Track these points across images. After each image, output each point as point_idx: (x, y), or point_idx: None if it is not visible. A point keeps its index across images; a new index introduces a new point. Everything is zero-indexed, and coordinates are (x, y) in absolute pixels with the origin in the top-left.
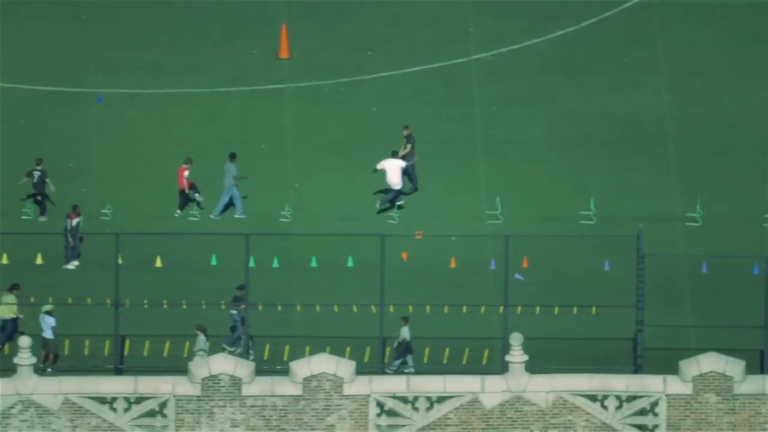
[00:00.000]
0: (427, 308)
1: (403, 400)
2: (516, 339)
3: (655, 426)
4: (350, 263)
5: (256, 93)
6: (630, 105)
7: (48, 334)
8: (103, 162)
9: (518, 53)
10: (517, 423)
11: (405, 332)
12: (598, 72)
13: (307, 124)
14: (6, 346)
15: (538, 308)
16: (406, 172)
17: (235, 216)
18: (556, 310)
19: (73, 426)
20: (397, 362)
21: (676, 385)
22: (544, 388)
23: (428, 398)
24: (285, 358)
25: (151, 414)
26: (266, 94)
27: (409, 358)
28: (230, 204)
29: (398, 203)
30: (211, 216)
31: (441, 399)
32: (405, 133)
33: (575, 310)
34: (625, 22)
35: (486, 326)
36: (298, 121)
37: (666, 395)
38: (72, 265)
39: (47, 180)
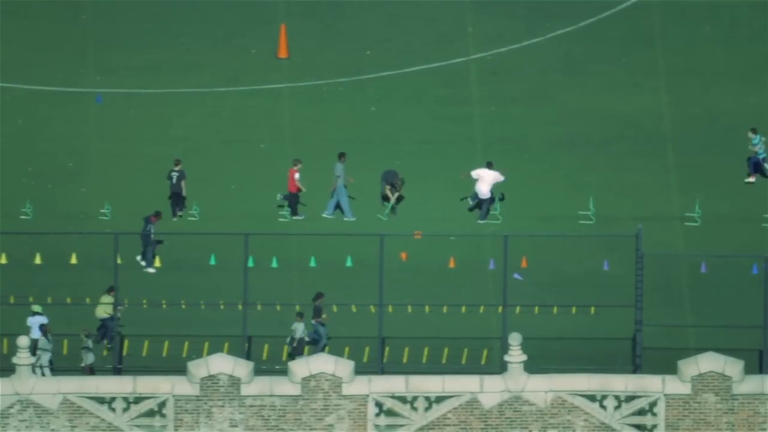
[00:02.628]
0: (426, 308)
1: (402, 399)
2: (515, 339)
3: (654, 426)
4: (349, 263)
5: (255, 92)
6: (629, 105)
7: (34, 334)
8: (102, 162)
9: (517, 53)
10: (516, 423)
11: (300, 330)
12: (597, 72)
13: (306, 124)
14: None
15: (537, 308)
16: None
17: (323, 215)
18: (555, 310)
19: (71, 426)
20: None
21: (675, 385)
22: (543, 387)
23: (427, 398)
24: (284, 358)
25: (150, 414)
26: (265, 94)
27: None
28: (339, 204)
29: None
30: (345, 219)
31: (440, 399)
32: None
33: (574, 309)
34: (623, 22)
35: (485, 326)
36: (296, 120)
37: (665, 395)
38: (152, 268)
39: (183, 181)
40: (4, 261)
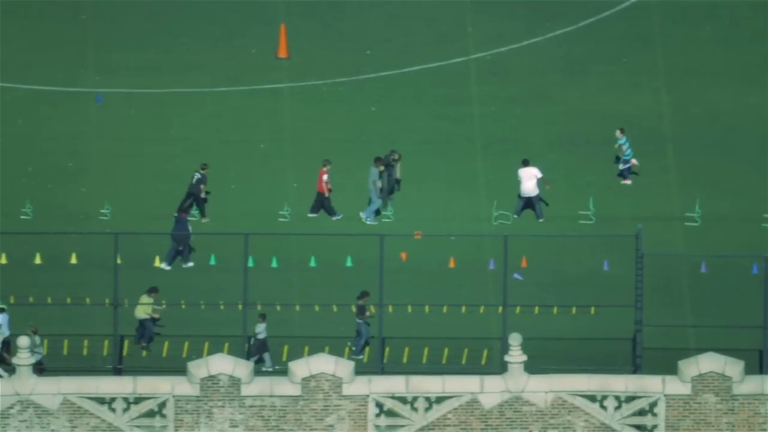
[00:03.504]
0: (426, 308)
1: (402, 400)
2: (515, 339)
3: (654, 426)
4: (349, 263)
5: (255, 92)
6: (629, 105)
7: (6, 331)
8: (102, 162)
9: (517, 53)
10: (516, 423)
11: (260, 329)
12: (597, 72)
13: (305, 124)
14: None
15: (537, 308)
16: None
17: (360, 214)
18: (555, 310)
19: (72, 426)
20: (252, 360)
21: (675, 386)
22: (543, 388)
23: (427, 398)
24: (284, 358)
25: (150, 414)
26: (265, 94)
27: (267, 356)
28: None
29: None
30: (363, 217)
31: (440, 399)
32: (395, 157)
33: (574, 310)
34: (623, 22)
35: (485, 326)
36: (296, 120)
37: (665, 395)
38: (189, 264)
39: (202, 185)
40: (4, 261)
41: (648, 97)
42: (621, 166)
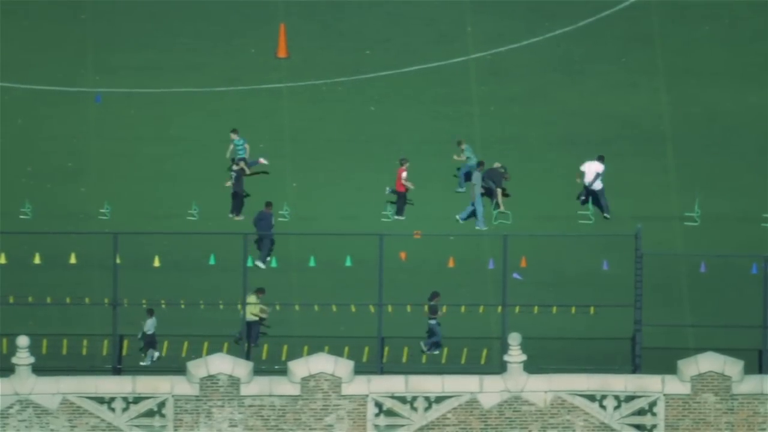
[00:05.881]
0: (426, 308)
1: (402, 400)
2: (514, 339)
3: (654, 426)
4: (348, 263)
5: (255, 92)
6: (628, 104)
7: None
8: (102, 162)
9: (516, 52)
10: (516, 423)
11: (148, 325)
12: (596, 71)
13: (305, 124)
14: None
15: (536, 308)
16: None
17: (477, 227)
18: (555, 309)
19: (71, 426)
20: (145, 355)
21: (675, 385)
22: (543, 387)
23: (427, 398)
24: (283, 358)
25: (150, 414)
26: (264, 94)
27: (150, 352)
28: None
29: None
30: (477, 227)
31: (439, 399)
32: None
33: (573, 309)
34: (623, 22)
35: (484, 326)
36: (296, 120)
37: (664, 395)
38: (263, 264)
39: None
40: (3, 261)
41: (647, 96)
42: (234, 168)
